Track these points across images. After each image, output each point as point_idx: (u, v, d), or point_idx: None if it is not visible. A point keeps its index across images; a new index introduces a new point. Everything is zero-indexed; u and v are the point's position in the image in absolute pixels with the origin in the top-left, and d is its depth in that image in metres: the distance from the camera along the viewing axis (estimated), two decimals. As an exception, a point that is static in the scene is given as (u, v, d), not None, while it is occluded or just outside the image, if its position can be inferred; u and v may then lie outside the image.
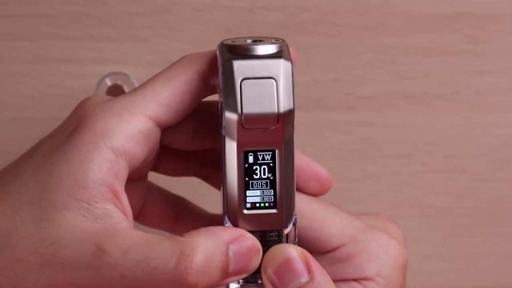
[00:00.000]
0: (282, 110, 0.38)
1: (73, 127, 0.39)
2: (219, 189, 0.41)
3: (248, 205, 0.39)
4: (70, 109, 0.42)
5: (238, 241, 0.39)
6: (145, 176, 0.45)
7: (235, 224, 0.39)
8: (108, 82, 0.53)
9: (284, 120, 0.38)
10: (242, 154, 0.38)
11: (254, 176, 0.39)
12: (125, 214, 0.39)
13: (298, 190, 0.42)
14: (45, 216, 0.38)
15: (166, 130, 0.42)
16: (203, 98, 0.42)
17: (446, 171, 0.60)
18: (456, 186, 0.60)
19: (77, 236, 0.37)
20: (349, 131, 0.59)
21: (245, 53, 0.38)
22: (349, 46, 0.58)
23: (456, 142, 0.60)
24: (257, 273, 0.40)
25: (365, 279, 0.42)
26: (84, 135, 0.38)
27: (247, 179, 0.39)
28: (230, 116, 0.37)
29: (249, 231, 0.39)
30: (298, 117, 0.58)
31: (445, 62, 0.59)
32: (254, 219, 0.39)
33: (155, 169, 0.45)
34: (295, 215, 0.40)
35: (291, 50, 0.40)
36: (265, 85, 0.37)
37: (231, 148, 0.38)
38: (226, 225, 0.39)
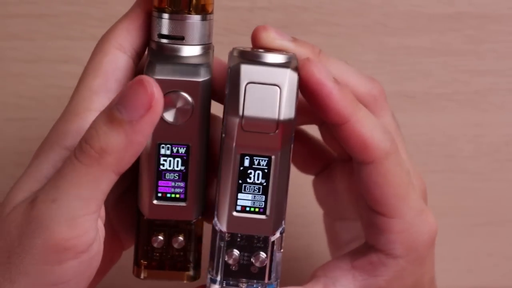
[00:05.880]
0: (282, 117, 0.38)
1: None
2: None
3: (239, 208, 0.40)
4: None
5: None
6: None
7: (222, 225, 0.40)
8: (108, 82, 0.53)
9: (283, 128, 0.38)
10: (238, 157, 0.39)
11: (248, 180, 0.39)
12: None
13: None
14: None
15: None
16: (136, 66, 0.42)
17: (446, 171, 0.60)
18: (456, 186, 0.60)
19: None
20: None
21: (254, 59, 0.39)
22: (349, 46, 0.58)
23: (456, 142, 0.60)
24: (240, 277, 0.40)
25: (391, 256, 0.42)
26: (42, 149, 0.40)
27: (240, 181, 0.39)
28: (231, 117, 0.38)
29: (236, 234, 0.40)
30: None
31: (445, 62, 0.59)
32: (242, 222, 0.40)
33: None
34: (284, 224, 0.40)
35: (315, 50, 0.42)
36: (269, 91, 0.38)
37: (228, 150, 0.39)
38: (215, 225, 0.40)
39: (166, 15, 0.40)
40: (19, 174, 0.39)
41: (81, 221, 0.37)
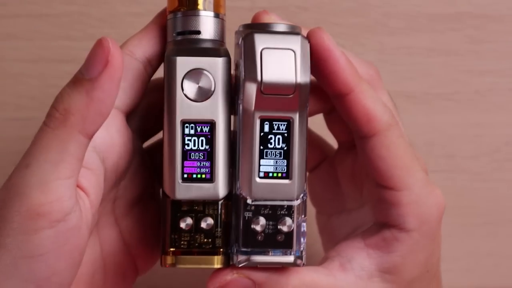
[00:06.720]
0: (299, 80, 0.39)
1: None
2: None
3: (262, 174, 0.40)
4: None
5: None
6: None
7: (247, 192, 0.40)
8: (108, 82, 0.53)
9: (300, 91, 0.39)
10: (258, 122, 0.40)
11: (269, 145, 0.40)
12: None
13: None
14: None
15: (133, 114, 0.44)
16: (148, 74, 0.43)
17: (446, 171, 0.60)
18: (456, 186, 0.60)
19: None
20: (349, 131, 0.59)
21: (265, 29, 0.40)
22: (349, 46, 0.58)
23: (456, 142, 0.60)
24: (266, 247, 0.40)
25: (404, 229, 0.43)
26: None
27: (261, 147, 0.40)
28: (249, 83, 0.39)
29: (260, 204, 0.40)
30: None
31: (445, 62, 0.59)
32: (266, 188, 0.40)
33: None
34: (306, 189, 0.41)
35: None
36: (285, 55, 0.39)
37: (248, 116, 0.40)
38: (238, 193, 0.40)
39: (180, 14, 0.41)
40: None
41: (53, 186, 0.37)
